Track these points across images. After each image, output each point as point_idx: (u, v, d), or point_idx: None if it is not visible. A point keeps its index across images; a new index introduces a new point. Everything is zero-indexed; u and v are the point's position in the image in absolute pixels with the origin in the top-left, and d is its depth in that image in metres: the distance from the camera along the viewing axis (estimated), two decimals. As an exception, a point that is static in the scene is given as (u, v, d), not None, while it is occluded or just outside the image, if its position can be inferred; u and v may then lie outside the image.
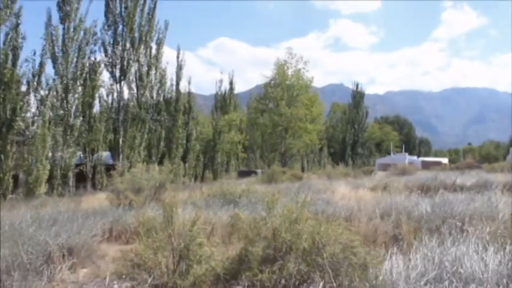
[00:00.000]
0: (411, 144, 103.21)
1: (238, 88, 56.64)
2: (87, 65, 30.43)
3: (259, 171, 45.01)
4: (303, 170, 50.81)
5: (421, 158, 71.26)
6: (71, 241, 7.51)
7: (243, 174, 44.73)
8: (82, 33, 29.50)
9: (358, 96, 76.87)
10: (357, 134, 76.03)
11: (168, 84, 39.09)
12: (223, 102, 52.71)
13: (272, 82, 47.91)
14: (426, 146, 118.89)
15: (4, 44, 23.79)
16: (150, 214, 5.04)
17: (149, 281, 4.17)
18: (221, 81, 53.02)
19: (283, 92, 46.38)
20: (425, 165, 51.22)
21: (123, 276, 4.36)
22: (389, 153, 74.35)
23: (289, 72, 47.42)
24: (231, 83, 54.14)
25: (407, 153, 68.31)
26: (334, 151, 77.19)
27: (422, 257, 4.78)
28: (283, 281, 4.31)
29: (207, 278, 4.26)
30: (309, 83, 48.48)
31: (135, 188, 14.91)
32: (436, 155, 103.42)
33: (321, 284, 4.13)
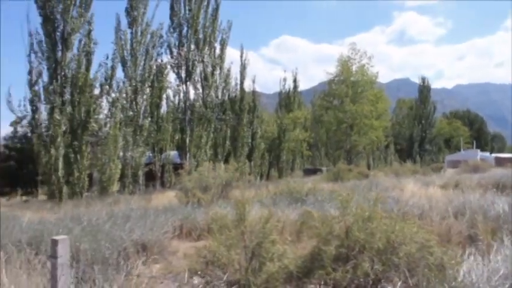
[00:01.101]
0: (483, 140, 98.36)
1: (302, 86, 56.18)
2: (154, 67, 31.38)
3: (324, 169, 44.61)
4: (368, 167, 49.80)
5: (495, 155, 67.86)
6: (144, 237, 7.76)
7: (308, 172, 44.50)
8: (149, 36, 30.46)
9: (425, 90, 74.25)
10: (425, 130, 73.46)
11: (233, 83, 39.54)
12: (288, 100, 52.58)
13: (336, 79, 47.24)
14: (500, 141, 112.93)
15: (78, 50, 24.97)
16: (222, 212, 5.06)
17: (224, 277, 4.20)
18: (285, 79, 52.96)
19: (348, 88, 45.62)
20: (500, 162, 48.63)
21: (199, 273, 4.43)
22: (459, 150, 71.32)
23: (353, 68, 46.58)
24: (294, 81, 53.92)
25: (478, 150, 65.25)
26: (400, 148, 75.04)
27: (504, 259, 4.53)
28: (356, 281, 4.22)
29: (280, 276, 4.24)
30: (373, 79, 47.39)
31: (202, 186, 15.19)
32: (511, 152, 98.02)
33: (399, 284, 4.00)
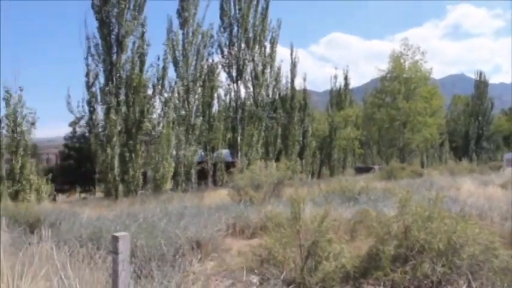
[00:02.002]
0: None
1: (353, 83, 55.27)
2: (206, 66, 31.75)
3: (376, 167, 43.81)
4: (422, 165, 48.47)
5: (557, 152, 64.32)
6: (198, 235, 7.85)
7: (360, 170, 43.81)
8: (200, 36, 30.84)
9: (481, 86, 71.27)
10: (482, 127, 70.62)
11: (283, 82, 39.46)
12: (339, 98, 51.96)
13: (388, 75, 46.19)
14: None
15: (132, 52, 25.64)
16: (277, 210, 5.04)
17: (282, 276, 4.19)
18: (335, 76, 52.33)
19: (400, 85, 44.52)
20: None
21: (255, 271, 4.43)
22: (518, 147, 68.16)
23: (406, 64, 45.40)
24: (345, 79, 53.20)
25: (540, 147, 62.06)
26: (456, 146, 72.51)
27: None
28: (416, 282, 4.10)
29: (336, 275, 4.18)
30: (427, 75, 46.00)
31: (254, 185, 15.24)
32: None
33: (464, 286, 3.86)
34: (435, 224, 4.22)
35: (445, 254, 4.10)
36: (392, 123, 45.20)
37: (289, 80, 40.58)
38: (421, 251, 4.20)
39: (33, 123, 23.90)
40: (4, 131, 23.38)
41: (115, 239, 3.36)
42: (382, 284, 4.17)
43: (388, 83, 45.80)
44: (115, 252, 3.35)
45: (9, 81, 23.33)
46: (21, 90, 23.36)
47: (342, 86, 52.85)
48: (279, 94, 38.72)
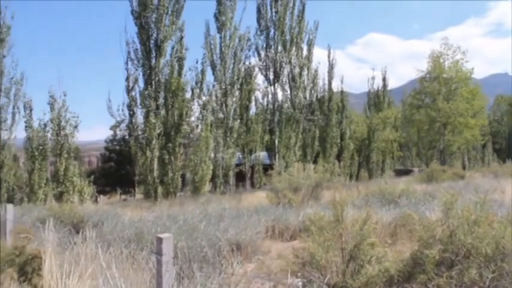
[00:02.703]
0: None
1: (391, 84, 54.27)
2: (243, 69, 31.92)
3: (416, 169, 42.96)
4: (464, 168, 47.21)
5: None
6: (238, 237, 7.88)
7: (399, 173, 43.10)
8: (237, 40, 31.03)
9: (527, 85, 68.96)
10: (526, 127, 68.35)
11: (320, 83, 39.30)
12: (377, 99, 51.19)
13: (427, 76, 45.21)
14: None
15: (171, 56, 26.01)
16: (321, 213, 5.01)
17: (326, 279, 4.15)
18: (373, 78, 51.54)
19: (441, 85, 43.50)
20: None
21: (298, 274, 4.42)
22: None
23: (446, 64, 44.33)
24: (383, 80, 52.34)
25: None
26: (499, 147, 70.36)
27: None
28: None
29: (380, 279, 4.11)
30: (468, 75, 44.77)
31: (292, 187, 15.19)
32: None
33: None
34: (482, 228, 4.09)
35: (493, 260, 3.96)
36: (432, 124, 44.21)
37: (326, 82, 40.43)
38: (467, 256, 4.08)
39: (76, 127, 24.62)
40: (49, 135, 24.17)
41: (159, 241, 3.41)
42: (427, 288, 4.07)
43: (427, 83, 44.82)
44: (159, 253, 3.40)
45: (53, 87, 24.13)
46: (64, 95, 24.12)
47: (380, 87, 52.06)
48: (317, 96, 38.56)
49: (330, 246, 4.42)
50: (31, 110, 24.02)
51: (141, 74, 25.70)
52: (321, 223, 4.69)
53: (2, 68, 24.57)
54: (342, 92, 42.34)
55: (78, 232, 7.85)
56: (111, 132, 41.36)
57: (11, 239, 7.24)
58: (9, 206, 8.05)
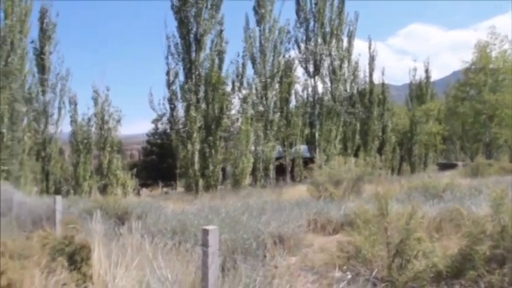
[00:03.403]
0: None
1: (434, 76, 52.86)
2: (283, 62, 31.78)
3: (460, 163, 41.84)
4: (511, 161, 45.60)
5: None
6: (280, 230, 7.89)
7: (442, 166, 42.11)
8: (276, 32, 30.89)
9: None
10: None
11: (361, 76, 38.70)
12: (419, 91, 49.97)
13: (473, 67, 43.78)
14: None
15: (211, 49, 26.15)
16: (366, 207, 4.95)
17: (373, 274, 4.10)
18: (415, 69, 50.32)
19: (487, 76, 42.04)
20: None
21: (344, 267, 4.38)
22: None
23: (493, 54, 42.81)
24: (426, 71, 51.00)
25: None
26: (551, 140, 67.57)
27: None
28: (515, 284, 3.85)
29: (427, 275, 4.03)
30: (517, 65, 43.10)
31: (333, 181, 15.08)
32: None
33: None
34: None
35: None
36: (478, 117, 42.81)
37: (367, 74, 39.74)
38: (520, 252, 3.95)
39: (118, 121, 25.24)
40: (93, 129, 24.82)
41: (205, 232, 3.43)
42: (477, 285, 3.96)
43: (472, 74, 43.40)
44: (205, 245, 3.42)
45: (97, 82, 24.74)
46: (107, 90, 24.69)
47: (423, 79, 50.80)
48: (357, 88, 38.00)
49: (376, 240, 4.35)
50: (76, 105, 24.77)
51: (181, 68, 25.97)
52: (365, 217, 4.62)
53: (48, 64, 25.35)
54: (383, 84, 41.55)
55: (123, 223, 8.06)
56: (153, 125, 42.06)
57: (61, 229, 7.48)
58: (58, 198, 8.33)
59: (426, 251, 4.20)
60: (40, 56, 25.17)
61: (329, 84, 34.51)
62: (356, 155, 31.63)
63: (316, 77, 34.03)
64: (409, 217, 4.41)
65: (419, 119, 45.33)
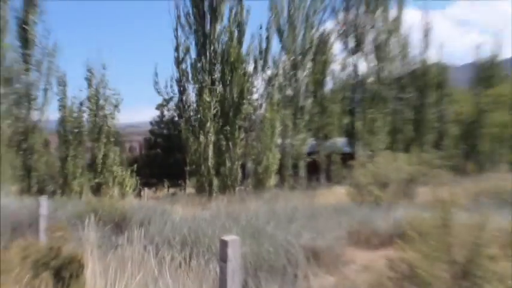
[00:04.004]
0: None
1: (506, 53, 51.98)
2: (316, 36, 31.58)
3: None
4: None
5: None
6: (313, 243, 7.85)
7: (517, 166, 41.36)
8: (309, 0, 30.67)
9: None
10: None
11: (413, 53, 38.19)
12: (486, 72, 49.22)
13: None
14: None
15: (229, 21, 26.03)
16: (422, 215, 4.85)
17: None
18: (481, 46, 49.60)
19: None
20: None
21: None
22: None
23: None
24: (496, 48, 50.24)
25: None
26: None
27: None
28: None
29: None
30: None
31: (379, 182, 14.99)
32: None
33: None
34: None
35: None
36: None
37: (420, 51, 39.20)
38: None
39: (116, 106, 25.27)
40: (86, 116, 24.91)
41: (223, 244, 3.38)
42: None
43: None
44: (223, 259, 3.38)
45: (91, 60, 24.78)
46: (104, 69, 24.70)
47: (491, 57, 49.94)
48: (408, 69, 37.53)
49: (437, 258, 4.25)
50: (65, 87, 24.76)
51: (193, 42, 26.04)
52: (423, 228, 4.52)
53: (33, 36, 25.48)
54: (440, 63, 41.00)
55: (121, 232, 8.09)
56: (157, 112, 42.22)
57: (45, 238, 7.54)
58: (43, 199, 8.35)
59: (501, 272, 4.09)
60: (22, 26, 25.32)
61: (373, 63, 34.20)
62: (407, 150, 31.27)
63: (358, 55, 33.76)
64: (479, 230, 4.30)
65: (487, 106, 44.58)
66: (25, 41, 25.33)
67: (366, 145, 31.96)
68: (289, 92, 29.69)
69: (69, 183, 24.07)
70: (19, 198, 16.06)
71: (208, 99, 24.75)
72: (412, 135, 36.80)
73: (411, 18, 37.60)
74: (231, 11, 26.01)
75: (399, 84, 36.21)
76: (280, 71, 29.31)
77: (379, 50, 34.15)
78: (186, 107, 26.11)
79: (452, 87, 44.60)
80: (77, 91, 24.57)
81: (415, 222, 4.65)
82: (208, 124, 24.74)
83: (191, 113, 25.89)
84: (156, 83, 26.38)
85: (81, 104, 24.62)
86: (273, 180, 25.67)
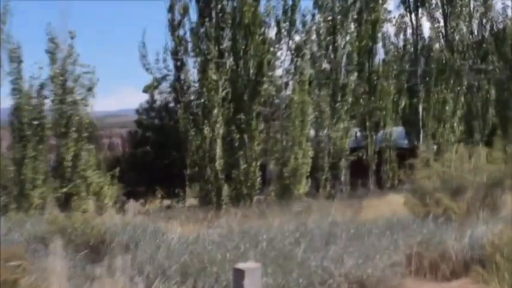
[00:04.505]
0: None
1: None
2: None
3: None
4: None
5: None
6: (360, 271, 7.90)
7: None
8: None
9: None
10: None
11: (497, 7, 37.91)
12: None
13: None
14: None
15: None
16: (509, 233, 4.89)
17: None
18: None
19: None
20: None
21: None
22: None
23: None
24: None
25: None
26: None
27: None
28: None
29: None
30: None
31: (451, 188, 14.94)
32: None
33: None
34: None
35: None
36: None
37: (508, 4, 38.91)
38: None
39: (90, 89, 25.27)
40: (48, 102, 24.98)
41: (238, 274, 3.45)
42: None
43: None
44: (238, 294, 3.44)
45: (55, 27, 24.81)
46: (72, 38, 24.73)
47: None
48: (491, 29, 37.24)
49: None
50: (20, 63, 24.85)
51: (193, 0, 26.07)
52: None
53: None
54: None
55: (99, 259, 8.20)
56: (146, 97, 42.18)
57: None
58: (-6, 217, 8.50)
59: None
60: None
61: (442, 23, 34.05)
62: (489, 143, 31.09)
63: (420, 12, 33.65)
64: None
65: None
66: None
67: (431, 136, 31.86)
68: (325, 65, 29.63)
69: (27, 194, 24.05)
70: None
71: (214, 77, 24.71)
72: (496, 122, 36.46)
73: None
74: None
75: (478, 52, 35.99)
76: (313, 37, 29.25)
77: (450, 4, 33.99)
78: (185, 88, 26.13)
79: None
80: (37, 70, 24.56)
81: (502, 243, 4.68)
82: (215, 111, 24.71)
83: (192, 97, 25.90)
84: (143, 56, 26.32)
85: (41, 86, 24.65)
86: (303, 186, 25.66)
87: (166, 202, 35.77)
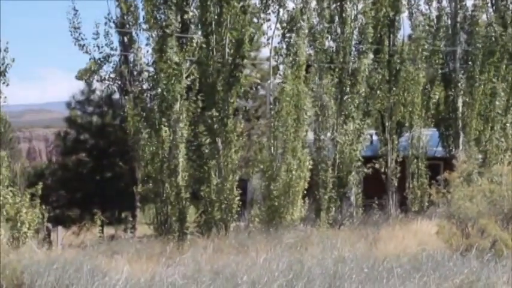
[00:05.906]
0: None
1: None
2: None
3: None
4: None
5: None
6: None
7: None
8: None
9: None
10: None
11: None
12: None
13: None
14: None
15: None
16: None
17: None
18: None
19: None
20: None
21: None
22: None
23: None
24: None
25: None
26: None
27: None
28: None
29: None
30: None
31: (501, 212, 15.05)
32: None
33: None
34: None
35: None
36: None
37: None
38: None
39: (2, 73, 25.26)
40: None
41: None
42: None
43: None
44: None
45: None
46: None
47: None
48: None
49: None
50: None
51: None
52: None
53: None
54: None
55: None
56: (81, 85, 41.97)
57: None
58: None
59: None
60: None
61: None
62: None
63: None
64: None
65: None
66: None
67: (475, 142, 31.96)
68: (328, 43, 29.76)
69: None
70: None
71: (176, 58, 24.68)
72: None
73: None
74: None
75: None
76: (313, 4, 29.33)
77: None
78: (135, 74, 26.12)
79: None
80: None
81: None
82: (176, 106, 24.67)
83: (145, 86, 25.88)
84: (75, 28, 26.02)
85: None
86: (298, 209, 25.66)
87: (109, 231, 35.85)
